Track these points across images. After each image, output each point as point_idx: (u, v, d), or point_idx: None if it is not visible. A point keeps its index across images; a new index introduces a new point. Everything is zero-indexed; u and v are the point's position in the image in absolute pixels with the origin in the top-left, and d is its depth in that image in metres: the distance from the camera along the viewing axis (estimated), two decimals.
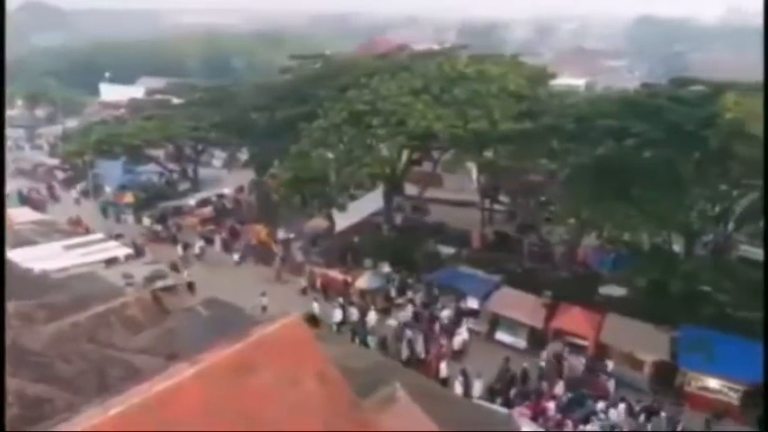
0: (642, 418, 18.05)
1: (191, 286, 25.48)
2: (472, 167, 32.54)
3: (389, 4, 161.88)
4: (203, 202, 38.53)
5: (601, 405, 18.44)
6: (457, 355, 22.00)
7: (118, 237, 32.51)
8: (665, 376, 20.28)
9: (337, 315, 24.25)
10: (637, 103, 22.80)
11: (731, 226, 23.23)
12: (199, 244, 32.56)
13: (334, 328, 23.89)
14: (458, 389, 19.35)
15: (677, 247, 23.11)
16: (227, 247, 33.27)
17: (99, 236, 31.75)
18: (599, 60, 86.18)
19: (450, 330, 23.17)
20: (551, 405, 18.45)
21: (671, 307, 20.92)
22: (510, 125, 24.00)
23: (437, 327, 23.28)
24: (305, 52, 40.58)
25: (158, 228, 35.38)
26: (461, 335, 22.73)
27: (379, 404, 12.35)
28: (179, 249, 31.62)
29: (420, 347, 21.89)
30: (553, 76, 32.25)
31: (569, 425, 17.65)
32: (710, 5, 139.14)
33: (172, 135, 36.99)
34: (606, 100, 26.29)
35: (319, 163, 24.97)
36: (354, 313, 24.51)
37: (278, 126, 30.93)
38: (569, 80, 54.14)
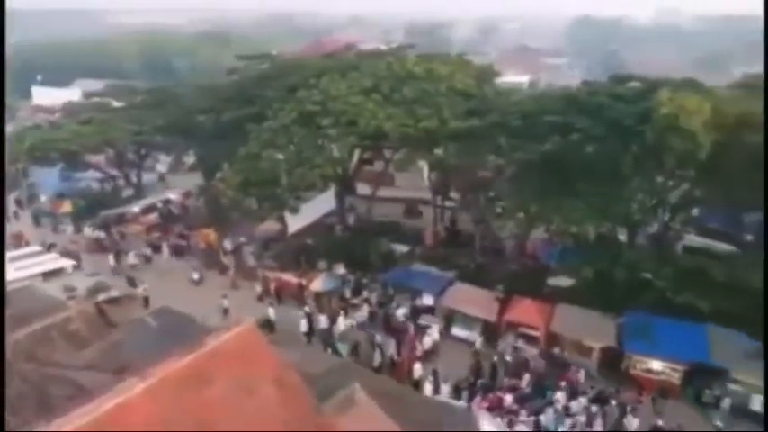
0: (594, 407, 18.66)
1: (146, 301, 24.65)
2: (423, 166, 32.87)
3: (335, 4, 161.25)
4: (148, 209, 37.16)
5: (560, 395, 18.90)
6: (428, 355, 22.09)
7: (51, 247, 31.04)
8: (612, 361, 21.14)
9: (303, 325, 23.60)
10: (578, 101, 23.64)
11: (667, 216, 24.47)
12: (133, 253, 31.17)
13: (303, 338, 23.40)
14: (428, 388, 19.57)
15: (622, 238, 24.16)
16: (175, 254, 32.26)
17: (37, 248, 30.22)
18: (541, 59, 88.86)
19: (406, 329, 23.24)
20: (509, 397, 18.86)
21: (616, 295, 21.83)
22: (459, 123, 24.38)
23: (411, 329, 23.26)
24: (251, 52, 39.75)
25: (101, 237, 33.83)
26: (431, 335, 22.85)
27: (338, 406, 12.32)
28: (110, 259, 30.09)
29: (392, 351, 21.90)
30: (498, 74, 32.97)
31: (524, 414, 18.08)
32: (643, 6, 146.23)
33: (112, 139, 35.49)
34: (550, 97, 27.12)
35: (269, 165, 24.55)
36: (322, 321, 23.97)
37: (225, 128, 30.21)
38: (513, 78, 55.60)
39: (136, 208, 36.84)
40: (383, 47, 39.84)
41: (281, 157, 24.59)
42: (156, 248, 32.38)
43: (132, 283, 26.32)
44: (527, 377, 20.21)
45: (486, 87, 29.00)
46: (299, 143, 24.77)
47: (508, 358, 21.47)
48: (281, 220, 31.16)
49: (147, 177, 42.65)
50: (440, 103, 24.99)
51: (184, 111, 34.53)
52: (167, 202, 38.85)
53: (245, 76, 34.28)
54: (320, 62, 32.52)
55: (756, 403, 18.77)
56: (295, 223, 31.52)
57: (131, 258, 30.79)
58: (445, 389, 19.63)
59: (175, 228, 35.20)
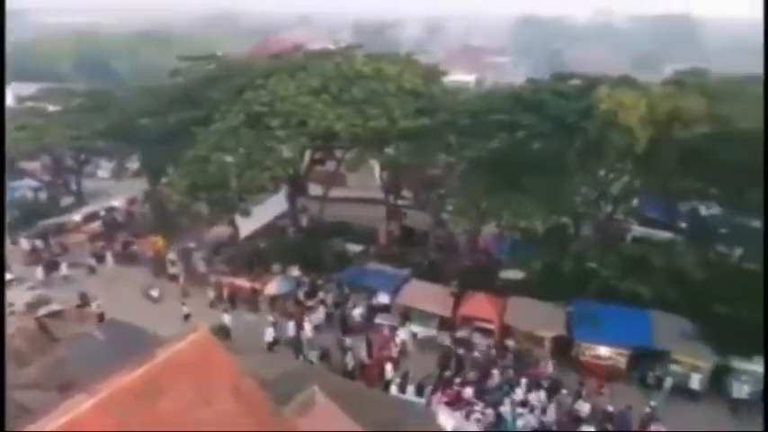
0: (543, 395, 19.28)
1: (101, 317, 23.52)
2: (375, 165, 32.98)
3: (281, 3, 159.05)
4: (90, 217, 35.60)
5: (520, 390, 19.34)
6: (398, 355, 22.13)
7: None
8: (563, 349, 21.92)
9: (268, 334, 23.01)
10: (523, 99, 24.36)
11: (610, 207, 25.57)
12: (66, 264, 29.57)
13: (266, 347, 22.81)
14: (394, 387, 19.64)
15: (572, 230, 25.07)
16: (121, 263, 31.08)
17: None
18: (486, 57, 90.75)
19: (380, 331, 23.41)
20: (468, 390, 19.21)
21: (564, 285, 22.64)
22: (408, 122, 24.61)
23: (385, 331, 23.30)
24: (194, 53, 38.64)
25: (39, 248, 32.11)
26: (399, 336, 22.88)
27: (298, 410, 12.23)
28: (38, 273, 28.40)
29: (363, 353, 21.82)
30: (445, 73, 33.42)
31: (482, 406, 18.45)
32: (581, 6, 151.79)
33: (49, 145, 33.76)
34: (496, 95, 27.79)
35: (218, 168, 24.00)
36: (290, 328, 23.44)
37: (170, 131, 29.29)
38: (460, 77, 56.58)
39: (77, 216, 35.20)
40: (331, 47, 39.56)
41: (229, 159, 24.08)
42: (101, 258, 31.05)
43: (84, 298, 24.92)
44: (496, 372, 20.60)
45: (434, 86, 29.37)
46: (247, 145, 24.32)
47: (476, 354, 21.88)
48: (232, 223, 30.58)
49: (88, 184, 40.83)
50: (389, 102, 25.14)
51: (126, 114, 33.23)
52: (111, 209, 37.34)
53: (189, 78, 33.27)
54: (267, 63, 32.02)
55: (695, 382, 19.93)
56: (247, 227, 30.99)
57: (64, 270, 29.12)
58: (410, 388, 19.73)
59: (120, 236, 33.88)
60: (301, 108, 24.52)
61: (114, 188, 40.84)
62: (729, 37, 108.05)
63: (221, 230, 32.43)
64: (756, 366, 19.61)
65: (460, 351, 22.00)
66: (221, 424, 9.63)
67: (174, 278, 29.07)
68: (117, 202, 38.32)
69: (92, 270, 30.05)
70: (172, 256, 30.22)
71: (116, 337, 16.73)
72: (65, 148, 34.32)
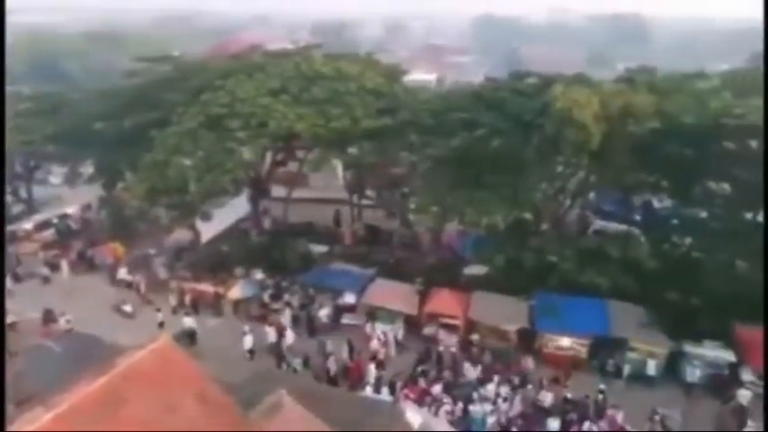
0: (507, 389, 19.69)
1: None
2: (337, 165, 32.94)
3: (237, 3, 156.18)
4: (43, 225, 34.30)
5: (491, 386, 19.64)
6: (374, 358, 21.98)
7: None
8: (527, 341, 22.44)
9: (248, 342, 22.57)
10: (483, 97, 24.80)
11: (568, 201, 26.32)
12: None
13: (247, 355, 22.42)
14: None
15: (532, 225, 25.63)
16: (78, 272, 30.07)
17: None
18: (447, 56, 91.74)
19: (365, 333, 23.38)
20: (437, 387, 19.42)
21: (526, 278, 23.16)
22: (370, 122, 24.66)
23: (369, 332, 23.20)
24: (149, 54, 37.64)
25: None
26: (376, 337, 22.77)
27: (265, 413, 12.16)
28: None
29: (345, 356, 21.76)
30: (406, 72, 33.65)
31: (450, 402, 18.70)
32: (539, 6, 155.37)
33: None
34: (456, 94, 28.18)
35: (176, 171, 23.49)
36: (270, 335, 23.05)
37: (126, 135, 28.46)
38: (421, 76, 56.98)
39: (28, 224, 33.87)
40: (290, 47, 39.21)
41: (188, 162, 23.61)
42: (55, 267, 29.96)
43: (49, 315, 23.74)
44: (470, 367, 20.87)
45: (396, 86, 29.53)
46: (207, 147, 23.89)
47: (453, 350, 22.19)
48: (193, 228, 30.02)
49: (39, 191, 39.27)
50: (351, 102, 25.13)
51: (79, 117, 32.11)
52: (64, 216, 36.04)
53: (146, 80, 32.39)
54: (225, 63, 31.49)
55: (651, 368, 20.75)
56: (208, 230, 30.48)
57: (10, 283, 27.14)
58: (384, 387, 19.85)
59: (75, 244, 32.76)
60: (261, 109, 24.24)
61: (67, 194, 39.38)
62: (676, 35, 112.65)
63: (181, 235, 31.81)
64: (706, 351, 20.60)
65: (440, 348, 22.23)
66: (187, 431, 9.50)
67: (128, 285, 28.10)
68: (71, 209, 36.99)
69: (46, 280, 28.98)
70: (122, 270, 28.95)
71: (74, 348, 16.27)
72: (13, 153, 32.88)
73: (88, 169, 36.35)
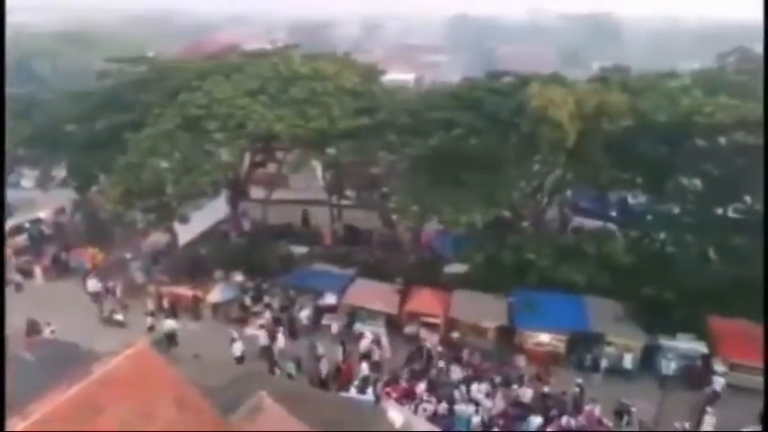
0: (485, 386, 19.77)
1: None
2: (317, 166, 32.84)
3: (213, 3, 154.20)
4: (14, 230, 33.45)
5: (475, 386, 19.67)
6: (364, 358, 21.81)
7: None
8: (507, 338, 22.69)
9: (237, 348, 21.94)
10: (460, 96, 24.97)
11: (545, 199, 26.68)
12: None
13: (234, 362, 21.66)
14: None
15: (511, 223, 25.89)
16: (53, 278, 29.43)
17: None
18: (424, 56, 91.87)
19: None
20: (422, 385, 19.44)
21: (505, 276, 23.43)
22: (349, 122, 24.65)
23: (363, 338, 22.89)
24: (123, 54, 37.01)
25: None
26: (367, 338, 22.55)
27: (246, 416, 12.08)
28: None
29: (339, 358, 21.58)
30: (383, 72, 33.70)
31: (434, 402, 18.74)
32: (514, 5, 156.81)
33: None
34: (434, 94, 28.33)
35: (152, 174, 23.16)
36: (261, 338, 22.60)
37: (100, 137, 27.95)
38: (399, 76, 57.06)
39: None
40: (268, 47, 38.96)
41: (165, 164, 23.30)
42: (28, 273, 29.25)
43: (34, 326, 22.73)
44: (463, 369, 20.83)
45: (373, 86, 29.57)
46: (184, 149, 23.62)
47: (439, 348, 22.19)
48: (171, 230, 29.63)
49: (11, 195, 38.28)
50: (329, 102, 25.08)
51: (52, 119, 31.43)
52: (36, 221, 35.22)
53: (119, 81, 31.85)
54: (202, 64, 31.14)
55: (628, 361, 21.17)
56: (186, 233, 30.10)
57: None
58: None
59: (49, 249, 32.03)
60: (239, 110, 24.05)
61: (40, 198, 38.49)
62: (646, 34, 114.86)
63: (158, 239, 31.38)
64: (680, 343, 21.09)
65: (428, 345, 22.20)
66: None
67: (96, 296, 27.16)
68: (43, 214, 36.14)
69: (18, 287, 28.25)
70: (91, 282, 27.72)
71: (48, 356, 15.90)
72: None
73: (61, 172, 35.56)
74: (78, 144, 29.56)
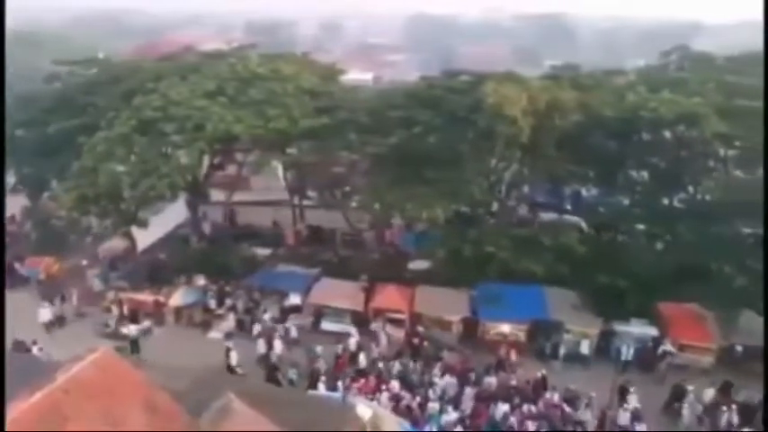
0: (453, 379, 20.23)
1: None
2: (277, 167, 32.74)
3: (165, 2, 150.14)
4: None
5: (449, 378, 20.06)
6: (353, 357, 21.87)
7: None
8: (470, 330, 23.27)
9: (233, 358, 21.29)
10: (419, 95, 25.48)
11: (503, 194, 27.46)
12: None
13: (238, 371, 21.03)
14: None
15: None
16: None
17: None
18: (383, 55, 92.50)
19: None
20: (395, 383, 19.57)
21: (467, 270, 23.99)
22: (309, 122, 24.75)
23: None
24: (72, 56, 35.92)
25: None
26: (354, 337, 22.61)
27: (215, 418, 12.08)
28: None
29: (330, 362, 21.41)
30: (343, 72, 33.87)
31: (407, 396, 19.01)
32: (471, 5, 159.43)
33: None
34: (393, 93, 28.70)
35: (108, 178, 22.66)
36: (260, 346, 22.22)
37: (51, 142, 27.13)
38: (358, 75, 57.29)
39: None
40: (225, 47, 38.54)
41: (121, 168, 22.84)
42: None
43: (21, 346, 21.52)
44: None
45: (333, 85, 29.71)
46: (141, 152, 23.20)
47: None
48: (129, 236, 28.97)
49: None
50: (288, 102, 25.09)
51: None
52: None
53: (70, 83, 30.96)
54: (157, 65, 30.59)
55: (585, 347, 22.07)
56: (144, 238, 29.51)
57: None
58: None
59: None
60: (197, 111, 23.76)
61: None
62: (597, 33, 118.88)
63: (116, 244, 30.63)
64: (633, 328, 22.15)
65: (415, 341, 22.52)
66: None
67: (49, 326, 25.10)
68: None
69: None
70: (44, 311, 25.15)
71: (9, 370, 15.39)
72: None
73: (11, 179, 34.25)
74: (28, 150, 28.57)
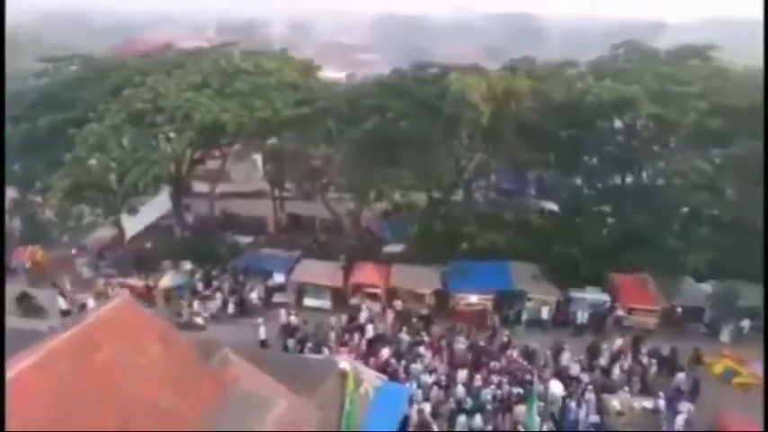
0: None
1: None
2: (257, 159, 34.29)
3: (135, 2, 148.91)
4: None
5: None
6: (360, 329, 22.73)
7: None
8: (442, 301, 25.31)
9: (262, 332, 22.37)
10: (391, 85, 27.64)
11: (469, 176, 29.71)
12: None
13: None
14: None
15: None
16: None
17: None
18: (354, 54, 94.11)
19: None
20: (386, 351, 21.00)
21: (438, 249, 26.11)
22: (291, 111, 26.52)
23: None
24: (45, 54, 36.72)
25: None
26: (365, 311, 23.81)
27: (218, 365, 13.90)
28: None
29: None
30: (319, 68, 35.63)
31: (393, 364, 20.48)
32: (440, 4, 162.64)
33: None
34: (367, 84, 30.70)
35: (101, 166, 24.03)
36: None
37: (41, 136, 28.15)
38: (331, 73, 58.76)
39: None
40: (205, 45, 39.88)
41: (113, 156, 24.21)
42: None
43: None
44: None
45: (312, 80, 31.50)
46: (131, 142, 24.61)
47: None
48: (117, 225, 30.12)
49: None
50: (272, 94, 26.78)
51: None
52: None
53: (56, 80, 31.94)
54: (142, 61, 31.83)
55: (545, 313, 24.31)
56: (132, 227, 30.76)
57: None
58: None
59: None
60: (186, 102, 25.21)
61: None
62: (563, 31, 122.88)
63: (103, 234, 31.74)
64: (588, 295, 24.50)
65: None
66: (154, 368, 11.07)
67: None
68: None
69: None
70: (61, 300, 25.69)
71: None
72: None
73: None
74: (17, 145, 29.47)
